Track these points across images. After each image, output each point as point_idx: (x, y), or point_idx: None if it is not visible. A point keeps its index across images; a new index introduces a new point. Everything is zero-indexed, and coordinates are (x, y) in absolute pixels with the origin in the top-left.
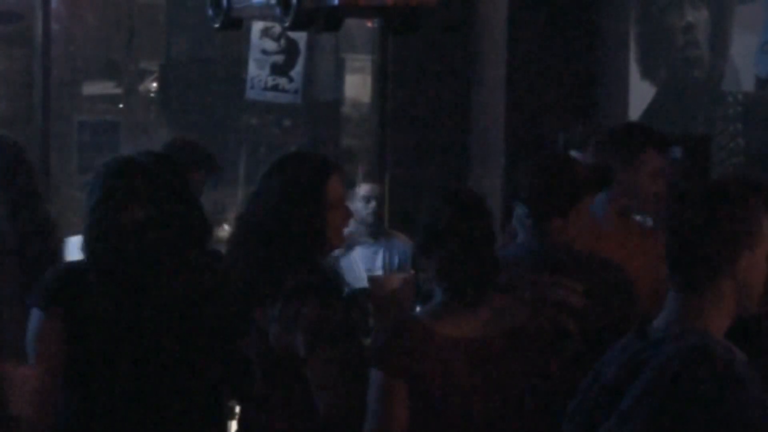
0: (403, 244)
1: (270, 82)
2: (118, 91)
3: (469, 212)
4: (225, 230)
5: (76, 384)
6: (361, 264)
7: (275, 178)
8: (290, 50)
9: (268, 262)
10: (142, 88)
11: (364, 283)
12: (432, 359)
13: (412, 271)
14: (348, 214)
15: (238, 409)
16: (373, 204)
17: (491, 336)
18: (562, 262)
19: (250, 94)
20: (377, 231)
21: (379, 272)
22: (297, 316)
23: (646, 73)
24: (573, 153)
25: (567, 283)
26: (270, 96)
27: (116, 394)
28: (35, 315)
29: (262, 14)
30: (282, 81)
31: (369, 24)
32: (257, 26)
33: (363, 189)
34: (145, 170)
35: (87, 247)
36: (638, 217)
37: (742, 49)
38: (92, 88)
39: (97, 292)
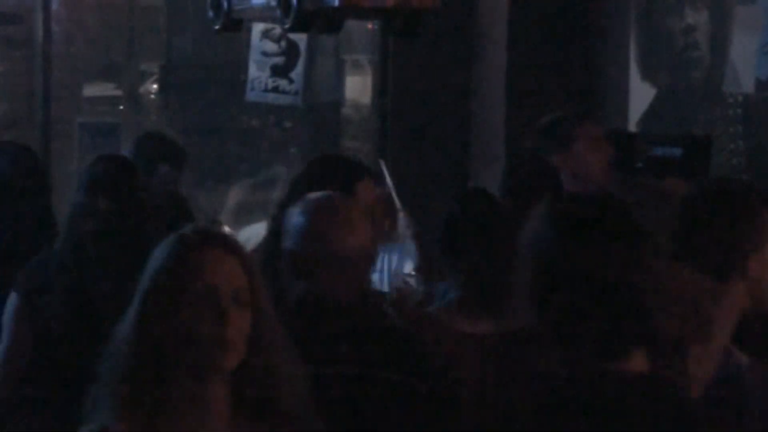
0: (403, 246)
1: (270, 84)
2: (119, 92)
3: (490, 214)
4: (225, 232)
5: (44, 361)
6: None
7: (306, 182)
8: (290, 52)
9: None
10: (142, 89)
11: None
12: (446, 353)
13: (413, 273)
14: (380, 219)
15: None
16: None
17: (503, 333)
18: None
19: (251, 96)
20: None
21: (376, 276)
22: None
23: (647, 75)
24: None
25: None
26: (270, 97)
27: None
28: (12, 298)
29: (263, 16)
30: (282, 82)
31: (369, 26)
32: (257, 28)
33: None
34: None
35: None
36: None
37: (742, 50)
38: (93, 90)
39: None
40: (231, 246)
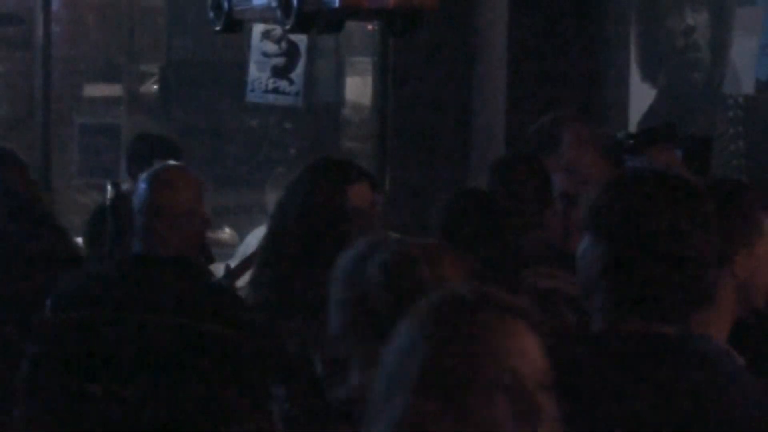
0: None
1: (271, 85)
2: (119, 93)
3: (486, 213)
4: (226, 233)
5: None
6: None
7: (302, 183)
8: (291, 53)
9: (291, 273)
10: (142, 90)
11: None
12: None
13: None
14: (372, 225)
15: None
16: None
17: None
18: (546, 256)
19: (251, 97)
20: None
21: None
22: (317, 335)
23: (647, 76)
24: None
25: (559, 272)
26: (271, 98)
27: None
28: None
29: (263, 16)
30: (283, 83)
31: (369, 26)
32: (258, 29)
33: None
34: None
35: None
36: None
37: (742, 51)
38: (93, 91)
39: None
40: (525, 314)
